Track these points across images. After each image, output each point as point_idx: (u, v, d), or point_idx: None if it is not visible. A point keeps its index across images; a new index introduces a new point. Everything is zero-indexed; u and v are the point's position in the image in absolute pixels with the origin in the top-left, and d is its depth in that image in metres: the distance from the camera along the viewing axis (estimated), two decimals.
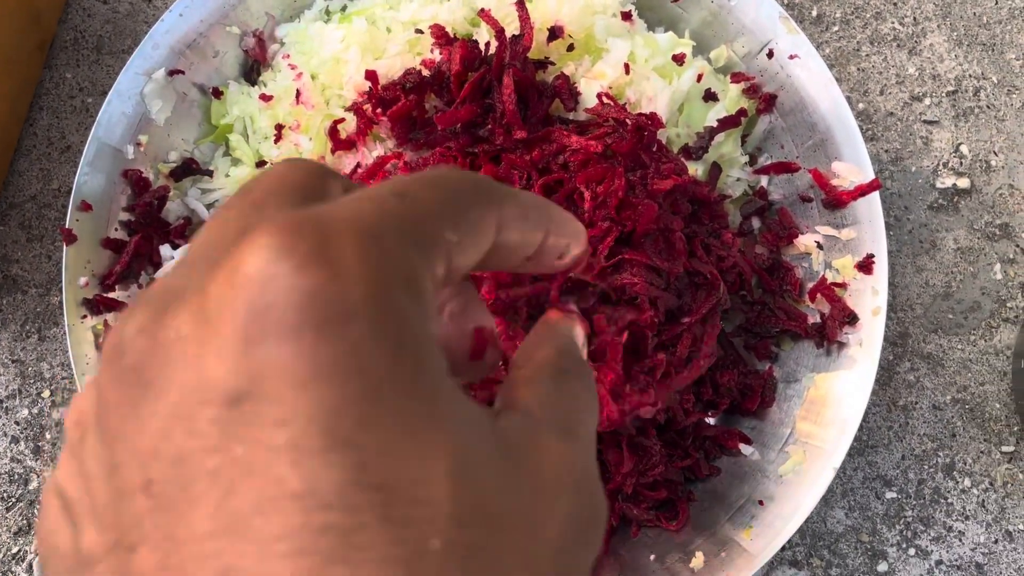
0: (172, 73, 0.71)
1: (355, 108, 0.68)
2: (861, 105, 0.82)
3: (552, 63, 0.70)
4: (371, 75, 0.67)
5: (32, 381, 0.74)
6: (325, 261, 0.21)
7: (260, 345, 0.20)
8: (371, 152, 0.70)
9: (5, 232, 0.76)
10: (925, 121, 0.81)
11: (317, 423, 0.20)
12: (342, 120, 0.69)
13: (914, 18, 0.83)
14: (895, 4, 0.83)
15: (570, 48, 0.71)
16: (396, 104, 0.66)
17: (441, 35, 0.69)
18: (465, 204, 0.27)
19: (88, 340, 0.66)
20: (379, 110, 0.67)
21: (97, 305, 0.67)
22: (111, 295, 0.68)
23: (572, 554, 0.26)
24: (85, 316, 0.66)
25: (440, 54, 0.69)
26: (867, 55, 0.82)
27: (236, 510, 0.20)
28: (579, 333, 0.36)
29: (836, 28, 0.83)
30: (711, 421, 0.73)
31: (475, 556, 0.21)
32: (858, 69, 0.82)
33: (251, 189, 0.25)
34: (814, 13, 0.83)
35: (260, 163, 0.73)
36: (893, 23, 0.83)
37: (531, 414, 0.27)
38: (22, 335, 0.75)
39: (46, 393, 0.74)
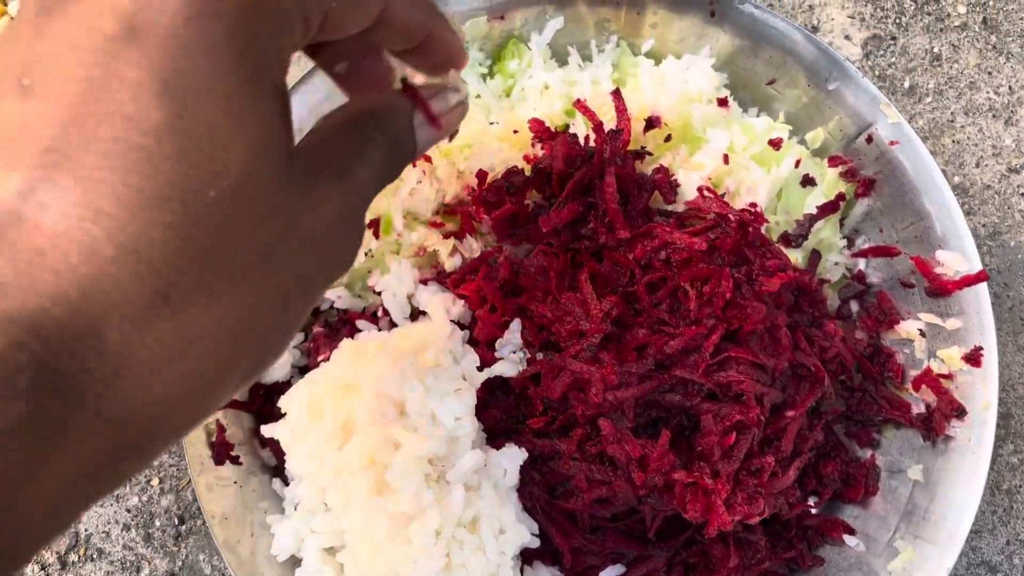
0: None
1: (460, 210, 0.68)
2: (957, 178, 0.80)
3: (649, 153, 0.70)
4: (481, 175, 0.68)
5: None
6: None
7: (146, 9, 0.28)
8: (474, 247, 0.70)
9: None
10: None
11: (162, 73, 0.28)
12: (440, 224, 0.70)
13: (1009, 87, 0.81)
14: (989, 73, 0.82)
15: (667, 139, 0.70)
16: (499, 207, 0.67)
17: (542, 130, 0.69)
18: None
19: (201, 440, 0.68)
20: (481, 209, 0.68)
21: None
22: None
23: (328, 250, 0.35)
24: None
25: (542, 148, 0.69)
26: (962, 126, 0.81)
27: (79, 113, 0.27)
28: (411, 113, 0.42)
29: (929, 99, 0.82)
30: (813, 510, 0.72)
31: (242, 217, 0.29)
32: (953, 141, 0.81)
33: None
34: (906, 84, 0.82)
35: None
36: (988, 93, 0.81)
37: (317, 156, 0.35)
38: None
39: (155, 481, 0.76)
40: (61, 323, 0.26)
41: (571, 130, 0.72)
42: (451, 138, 0.47)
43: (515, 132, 0.70)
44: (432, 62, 0.42)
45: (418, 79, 0.43)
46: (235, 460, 0.69)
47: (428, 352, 0.66)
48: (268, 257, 0.31)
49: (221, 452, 0.68)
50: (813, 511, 0.72)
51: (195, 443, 0.67)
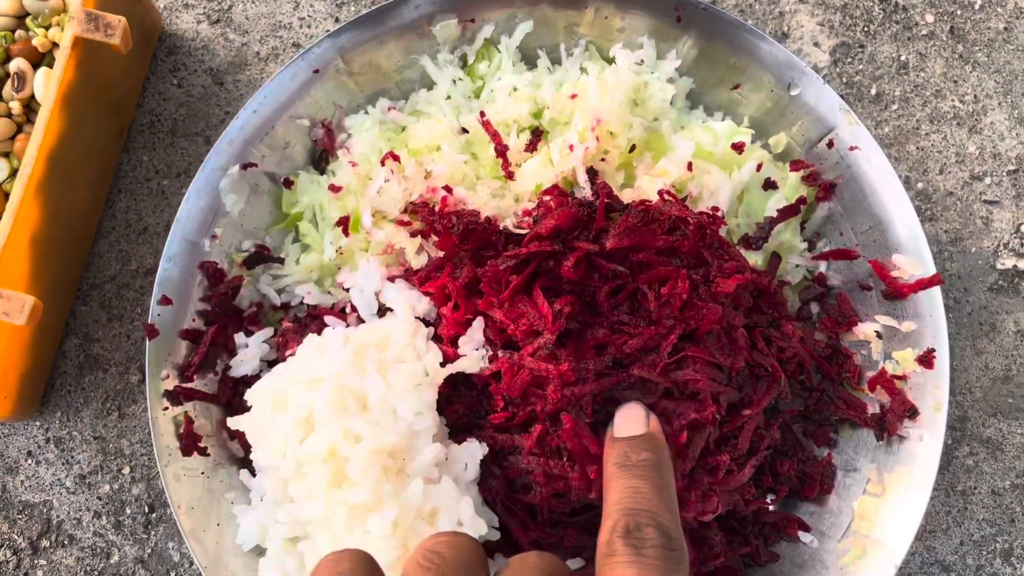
0: (246, 167, 0.74)
1: (423, 212, 0.70)
2: (920, 184, 0.82)
3: (603, 159, 0.71)
4: (447, 191, 0.70)
5: (113, 458, 0.77)
6: None
7: None
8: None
9: (87, 312, 0.80)
10: (985, 201, 0.81)
11: None
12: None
13: (974, 95, 0.83)
14: (955, 82, 0.83)
15: (632, 149, 0.72)
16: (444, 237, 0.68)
17: (559, 194, 0.70)
18: None
19: (170, 431, 0.69)
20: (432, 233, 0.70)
21: (178, 396, 0.70)
22: (190, 385, 0.71)
23: None
24: (167, 408, 0.69)
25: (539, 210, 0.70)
26: (926, 133, 0.83)
27: None
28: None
29: (895, 106, 0.83)
30: (771, 507, 0.74)
31: None
32: (917, 148, 0.82)
33: None
34: (873, 91, 0.83)
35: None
36: (953, 101, 0.83)
37: None
38: (103, 412, 0.78)
39: (126, 470, 0.77)
40: None
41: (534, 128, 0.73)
42: None
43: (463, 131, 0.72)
44: None
45: None
46: (203, 451, 0.70)
47: (392, 347, 0.68)
48: None
49: (189, 443, 0.70)
50: (771, 508, 0.74)
51: (163, 434, 0.68)
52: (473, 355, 0.68)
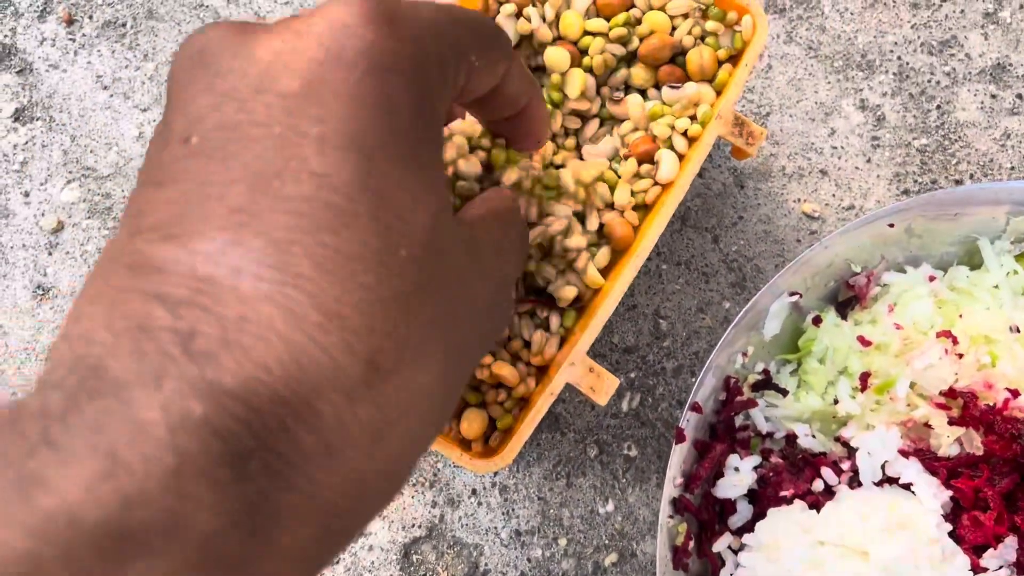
0: (793, 295, 0.72)
1: (967, 400, 0.68)
2: None
3: None
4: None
5: (551, 524, 0.77)
6: (390, 28, 0.28)
7: (324, 65, 0.27)
8: (977, 442, 0.69)
9: None
10: None
11: (346, 129, 0.27)
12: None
13: None
14: None
15: None
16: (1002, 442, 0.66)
17: None
18: (490, 44, 0.34)
19: (664, 541, 0.68)
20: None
21: (681, 506, 0.69)
22: (688, 496, 0.70)
23: (490, 319, 0.37)
24: (671, 516, 0.68)
25: None
26: None
27: (261, 170, 0.26)
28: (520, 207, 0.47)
29: None
30: None
31: (429, 277, 0.29)
32: None
33: None
34: None
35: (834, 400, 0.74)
36: None
37: (476, 229, 0.37)
38: (552, 475, 0.78)
39: (562, 541, 0.76)
40: (276, 396, 0.23)
41: None
42: None
43: None
44: (523, 133, 0.45)
45: None
46: (686, 568, 0.69)
47: (917, 536, 0.65)
48: (454, 318, 0.31)
49: (680, 557, 0.68)
50: None
51: (664, 543, 0.67)
52: (1000, 573, 0.66)
